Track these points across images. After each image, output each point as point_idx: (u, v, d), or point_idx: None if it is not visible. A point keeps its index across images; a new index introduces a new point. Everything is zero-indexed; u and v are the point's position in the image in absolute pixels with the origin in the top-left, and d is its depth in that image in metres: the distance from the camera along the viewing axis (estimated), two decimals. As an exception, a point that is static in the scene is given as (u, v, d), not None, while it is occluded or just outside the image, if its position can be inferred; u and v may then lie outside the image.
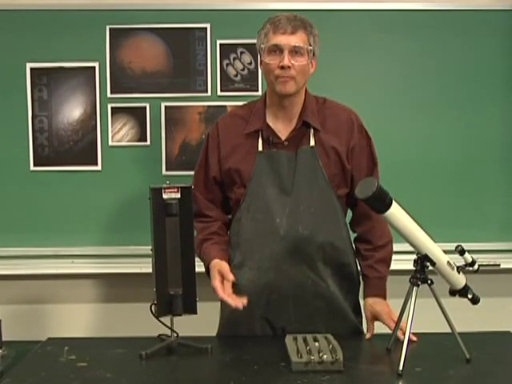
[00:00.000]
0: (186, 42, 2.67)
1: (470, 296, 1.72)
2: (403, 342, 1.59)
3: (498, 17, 2.67)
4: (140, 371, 1.65)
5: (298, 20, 1.82)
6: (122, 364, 1.68)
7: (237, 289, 1.83)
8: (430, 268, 1.65)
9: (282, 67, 1.80)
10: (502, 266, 2.41)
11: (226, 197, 1.99)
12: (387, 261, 1.97)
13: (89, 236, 2.70)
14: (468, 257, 1.69)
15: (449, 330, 1.67)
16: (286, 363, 1.62)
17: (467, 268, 1.70)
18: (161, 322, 1.75)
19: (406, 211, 1.60)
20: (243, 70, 2.68)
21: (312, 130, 1.88)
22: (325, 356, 1.58)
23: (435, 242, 1.65)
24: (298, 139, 1.89)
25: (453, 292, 1.73)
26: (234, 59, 2.67)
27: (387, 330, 1.79)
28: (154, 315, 1.73)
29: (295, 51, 1.80)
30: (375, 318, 1.90)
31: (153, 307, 1.73)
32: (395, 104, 2.70)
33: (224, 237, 1.98)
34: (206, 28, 2.66)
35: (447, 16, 2.67)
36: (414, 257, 1.66)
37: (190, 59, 2.67)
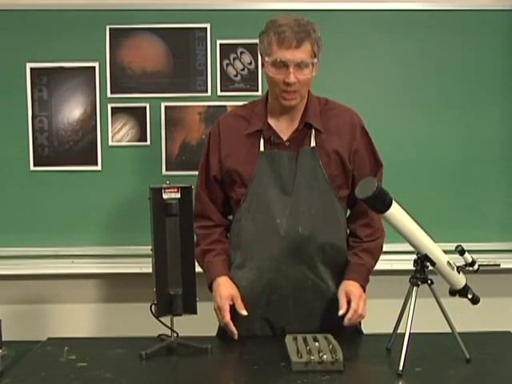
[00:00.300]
0: (186, 42, 2.67)
1: (470, 296, 1.72)
2: (403, 342, 1.59)
3: (497, 17, 2.67)
4: (140, 371, 1.65)
5: (303, 31, 1.76)
6: (122, 364, 1.68)
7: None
8: (430, 268, 1.65)
9: (288, 83, 1.79)
10: (502, 266, 2.40)
11: (226, 196, 1.99)
12: (373, 252, 1.94)
13: (89, 236, 2.70)
14: (468, 257, 1.69)
15: (449, 330, 1.67)
16: (286, 363, 1.62)
17: (467, 268, 1.70)
18: (161, 322, 1.75)
19: (406, 211, 1.60)
20: (243, 70, 2.68)
21: (313, 131, 1.88)
22: (325, 356, 1.58)
23: (435, 241, 1.65)
24: (299, 140, 1.89)
25: (453, 292, 1.73)
26: (234, 59, 2.67)
27: (387, 330, 1.79)
28: (154, 315, 1.73)
29: (300, 65, 1.78)
30: (348, 296, 1.81)
31: (153, 307, 1.74)
32: (395, 104, 2.70)
33: (226, 243, 1.98)
34: (205, 28, 2.66)
35: (447, 16, 2.67)
36: (414, 257, 1.66)
37: (190, 59, 2.67)
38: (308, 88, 1.87)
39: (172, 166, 2.69)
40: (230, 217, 2.02)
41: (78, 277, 2.75)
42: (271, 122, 1.91)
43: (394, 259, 2.60)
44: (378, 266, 2.78)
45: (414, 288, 1.63)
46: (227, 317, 1.82)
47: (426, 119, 2.69)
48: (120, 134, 2.69)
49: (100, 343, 1.92)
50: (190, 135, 2.69)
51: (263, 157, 1.88)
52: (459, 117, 2.69)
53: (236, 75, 2.68)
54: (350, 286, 1.83)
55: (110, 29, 2.65)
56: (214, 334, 1.99)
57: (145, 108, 2.68)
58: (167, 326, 1.76)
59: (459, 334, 1.67)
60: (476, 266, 1.70)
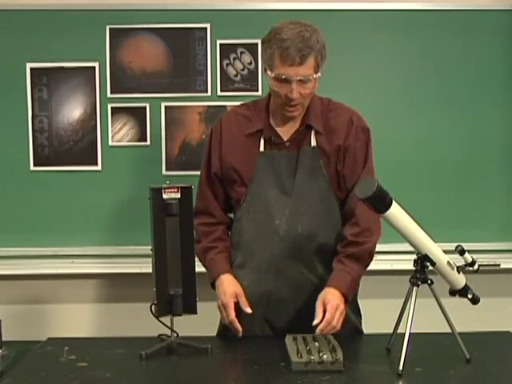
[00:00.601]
0: (186, 42, 2.67)
1: (470, 296, 1.72)
2: (403, 342, 1.59)
3: (497, 17, 2.67)
4: (140, 371, 1.65)
5: (306, 46, 1.72)
6: (121, 364, 1.68)
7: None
8: (430, 268, 1.65)
9: (290, 98, 1.77)
10: (502, 266, 2.41)
11: (227, 194, 1.98)
12: (359, 258, 1.83)
13: (89, 236, 2.70)
14: (468, 257, 1.69)
15: (449, 330, 1.67)
16: (286, 363, 1.62)
17: (467, 268, 1.70)
18: (161, 322, 1.75)
19: (406, 211, 1.60)
20: (243, 69, 2.68)
21: (313, 132, 1.88)
22: (325, 356, 1.58)
23: (435, 241, 1.65)
24: (299, 140, 1.88)
25: (453, 292, 1.73)
26: (234, 59, 2.67)
27: (387, 330, 1.79)
28: (154, 315, 1.73)
29: (303, 81, 1.76)
30: (325, 305, 1.74)
31: (153, 307, 1.73)
32: (395, 104, 2.70)
33: (227, 241, 1.98)
34: (205, 28, 2.66)
35: (447, 16, 2.67)
36: (414, 257, 1.66)
37: (190, 59, 2.67)
38: (310, 98, 1.85)
39: (172, 166, 2.69)
40: (231, 215, 2.01)
41: (78, 277, 2.75)
42: (272, 121, 1.90)
43: (394, 259, 2.61)
44: (378, 266, 2.78)
45: (414, 288, 1.63)
46: (232, 314, 1.81)
47: (426, 119, 2.69)
48: (120, 134, 2.69)
49: (100, 343, 1.92)
50: (190, 135, 2.69)
51: (263, 157, 1.88)
52: (459, 117, 2.70)
53: (236, 75, 2.68)
54: (328, 295, 1.75)
55: (110, 29, 2.65)
56: (214, 333, 1.99)
57: (145, 108, 2.68)
58: (167, 326, 1.76)
59: (459, 333, 1.67)
60: (476, 266, 1.70)
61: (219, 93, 2.68)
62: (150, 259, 1.75)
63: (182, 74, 2.67)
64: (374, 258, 2.74)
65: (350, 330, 1.92)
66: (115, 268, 2.71)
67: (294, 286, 1.88)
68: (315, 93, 1.91)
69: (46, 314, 2.81)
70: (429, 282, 1.64)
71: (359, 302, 2.00)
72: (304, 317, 1.88)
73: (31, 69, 2.66)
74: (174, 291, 1.74)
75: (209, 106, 2.68)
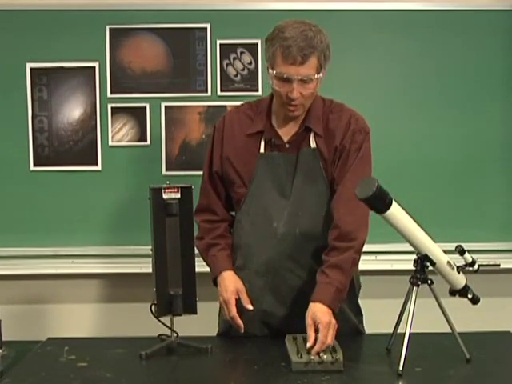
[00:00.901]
0: (186, 42, 2.67)
1: (470, 296, 1.72)
2: (403, 342, 1.59)
3: (498, 17, 2.67)
4: (140, 371, 1.65)
5: (308, 45, 1.71)
6: (121, 364, 1.68)
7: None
8: (430, 268, 1.65)
9: (291, 98, 1.76)
10: (502, 266, 2.41)
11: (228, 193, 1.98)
12: (342, 267, 1.75)
13: (89, 236, 2.70)
14: (468, 257, 1.69)
15: (449, 330, 1.68)
16: (286, 363, 1.62)
17: (467, 268, 1.70)
18: (161, 322, 1.75)
19: (406, 211, 1.60)
20: (243, 70, 2.68)
21: (313, 134, 1.86)
22: (325, 356, 1.58)
23: (435, 241, 1.65)
24: (299, 142, 1.87)
25: (453, 292, 1.73)
26: (234, 59, 2.67)
27: (387, 330, 1.79)
28: (154, 315, 1.73)
29: (304, 81, 1.75)
30: (316, 325, 1.67)
31: (153, 307, 1.74)
32: (395, 104, 2.70)
33: (229, 239, 1.97)
34: (205, 28, 2.66)
35: (447, 16, 2.67)
36: (414, 257, 1.66)
37: (190, 59, 2.67)
38: (312, 98, 1.83)
39: (172, 166, 2.68)
40: (233, 213, 2.01)
41: (78, 277, 2.75)
42: (275, 122, 1.90)
43: (394, 259, 2.61)
44: (378, 266, 2.79)
45: (414, 288, 1.63)
46: (234, 311, 1.81)
47: (426, 119, 2.69)
48: (120, 134, 2.69)
49: (100, 343, 1.92)
50: (190, 135, 2.69)
51: (263, 159, 1.88)
52: (459, 117, 2.69)
53: (236, 75, 2.68)
54: (317, 313, 1.68)
55: (110, 29, 2.65)
56: (214, 333, 1.99)
57: (145, 108, 2.68)
58: (167, 326, 1.76)
59: (459, 333, 1.67)
60: (476, 266, 1.70)
61: (219, 93, 2.68)
62: (150, 259, 1.75)
63: (182, 74, 2.67)
64: (374, 258, 2.75)
65: (350, 330, 1.92)
66: (115, 268, 2.71)
67: (292, 288, 1.87)
68: (317, 93, 1.90)
69: (46, 314, 2.81)
70: (429, 282, 1.64)
71: (359, 302, 2.00)
72: (303, 318, 1.88)
73: (31, 69, 2.66)
74: (174, 291, 1.74)
75: (209, 106, 2.68)
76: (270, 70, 1.78)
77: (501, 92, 2.70)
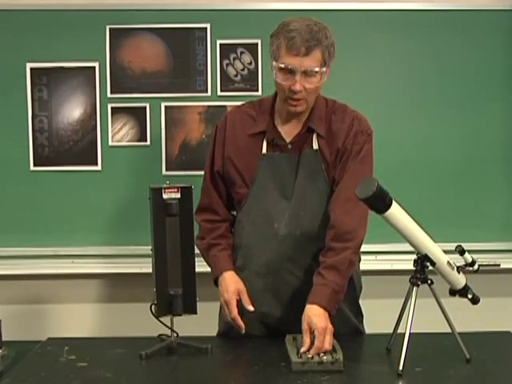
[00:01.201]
0: (186, 42, 2.67)
1: (470, 296, 1.72)
2: (403, 342, 1.59)
3: (497, 17, 2.67)
4: (140, 371, 1.65)
5: (313, 38, 1.71)
6: (121, 364, 1.68)
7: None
8: (430, 268, 1.65)
9: (293, 91, 1.76)
10: (502, 266, 2.40)
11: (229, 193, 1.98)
12: (338, 267, 1.74)
13: (89, 236, 2.70)
14: (468, 257, 1.69)
15: (449, 330, 1.68)
16: (286, 363, 1.62)
17: (467, 268, 1.70)
18: (161, 322, 1.75)
19: (406, 211, 1.60)
20: (243, 69, 2.68)
21: (315, 135, 1.86)
22: (325, 356, 1.58)
23: (435, 241, 1.65)
24: (301, 143, 1.87)
25: (453, 292, 1.73)
26: (234, 59, 2.67)
27: (387, 330, 1.79)
28: (154, 315, 1.73)
29: (307, 74, 1.74)
30: (312, 330, 1.66)
31: (153, 307, 1.74)
32: (395, 104, 2.70)
33: (230, 239, 1.97)
34: (205, 28, 2.66)
35: (447, 16, 2.67)
36: (414, 257, 1.66)
37: (190, 59, 2.67)
38: (316, 95, 1.83)
39: (172, 166, 2.68)
40: (234, 212, 2.01)
41: (78, 277, 2.75)
42: (277, 123, 1.89)
43: (394, 259, 2.61)
44: (378, 266, 2.79)
45: (414, 288, 1.63)
46: (234, 311, 1.81)
47: (426, 119, 2.69)
48: (120, 134, 2.69)
49: (100, 343, 1.93)
50: (190, 135, 2.69)
51: (265, 159, 1.87)
52: (459, 117, 2.69)
53: (236, 75, 2.68)
54: (313, 318, 1.66)
55: (110, 29, 2.65)
56: (214, 333, 1.99)
57: (145, 108, 2.68)
58: (167, 326, 1.76)
59: (459, 333, 1.67)
60: (476, 266, 1.70)
61: (219, 93, 2.68)
62: (150, 259, 1.75)
63: (182, 74, 2.67)
64: (374, 258, 2.75)
65: (350, 331, 1.92)
66: (115, 268, 2.71)
67: (293, 289, 1.87)
68: (320, 93, 1.90)
69: (46, 314, 2.81)
70: (429, 281, 1.64)
71: (359, 302, 2.00)
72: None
73: (31, 69, 2.66)
74: (174, 291, 1.74)
75: (209, 106, 2.68)
76: (274, 63, 1.77)
77: (501, 92, 2.70)
